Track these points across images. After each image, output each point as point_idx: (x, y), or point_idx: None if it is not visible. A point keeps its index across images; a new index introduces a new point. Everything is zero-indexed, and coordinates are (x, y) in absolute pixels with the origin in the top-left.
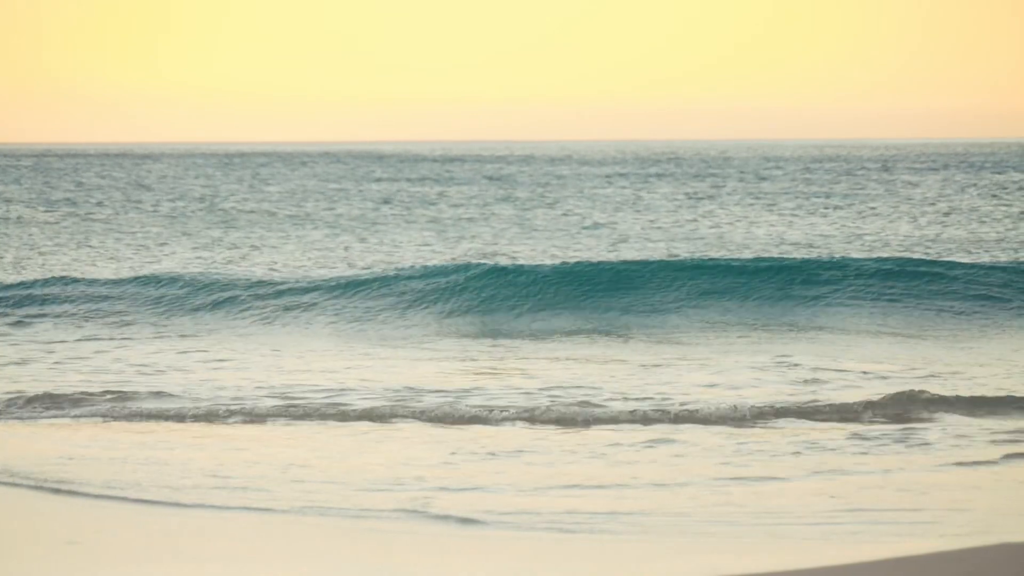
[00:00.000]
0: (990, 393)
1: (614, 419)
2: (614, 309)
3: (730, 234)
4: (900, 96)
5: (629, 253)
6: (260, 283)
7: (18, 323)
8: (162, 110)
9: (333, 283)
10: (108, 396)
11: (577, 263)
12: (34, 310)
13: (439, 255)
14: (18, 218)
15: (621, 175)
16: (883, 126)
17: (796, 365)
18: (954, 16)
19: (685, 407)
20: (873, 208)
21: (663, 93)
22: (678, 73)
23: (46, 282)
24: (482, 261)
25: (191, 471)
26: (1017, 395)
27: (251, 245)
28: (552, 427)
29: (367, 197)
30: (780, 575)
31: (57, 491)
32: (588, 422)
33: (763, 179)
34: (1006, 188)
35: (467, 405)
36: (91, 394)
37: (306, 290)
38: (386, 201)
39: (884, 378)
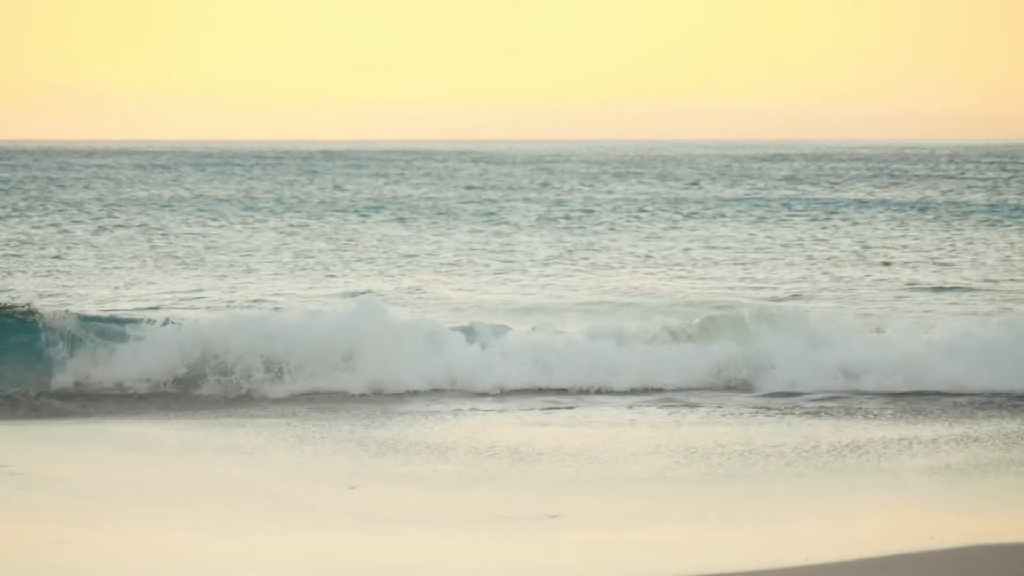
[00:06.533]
0: None
1: None
2: None
3: None
4: (900, 97)
5: None
6: None
7: None
8: (156, 109)
9: None
10: None
11: None
12: None
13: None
14: None
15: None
16: (883, 127)
17: None
18: (956, 16)
19: None
20: None
21: (661, 93)
22: (677, 73)
23: None
24: None
25: None
26: None
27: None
28: None
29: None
30: (770, 572)
31: None
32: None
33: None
34: None
35: None
36: None
37: None
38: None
39: None
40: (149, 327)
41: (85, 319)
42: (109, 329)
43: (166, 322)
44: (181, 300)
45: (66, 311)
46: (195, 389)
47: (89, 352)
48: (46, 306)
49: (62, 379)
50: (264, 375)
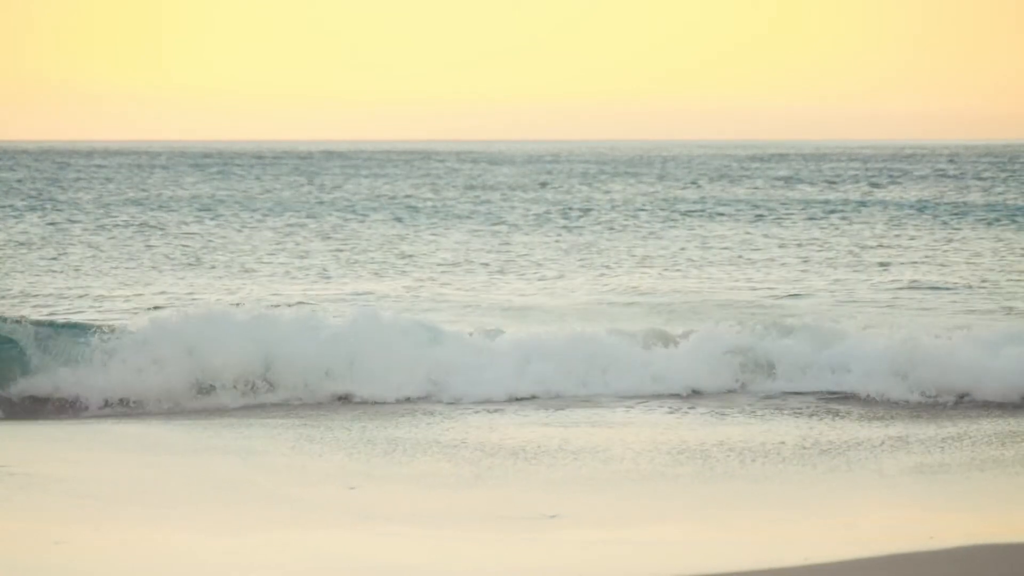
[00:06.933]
0: None
1: None
2: None
3: None
4: (900, 97)
5: None
6: None
7: None
8: (156, 109)
9: None
10: None
11: None
12: None
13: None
14: None
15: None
16: (883, 127)
17: None
18: (956, 16)
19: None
20: None
21: (661, 93)
22: (677, 73)
23: None
24: None
25: None
26: None
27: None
28: None
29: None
30: (768, 572)
31: None
32: None
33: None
34: None
35: None
36: None
37: None
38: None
39: None
40: (144, 329)
41: (77, 326)
42: (99, 333)
43: (160, 324)
44: (178, 301)
45: (51, 320)
46: (190, 393)
47: (76, 358)
48: (39, 307)
49: (46, 387)
50: (261, 379)
